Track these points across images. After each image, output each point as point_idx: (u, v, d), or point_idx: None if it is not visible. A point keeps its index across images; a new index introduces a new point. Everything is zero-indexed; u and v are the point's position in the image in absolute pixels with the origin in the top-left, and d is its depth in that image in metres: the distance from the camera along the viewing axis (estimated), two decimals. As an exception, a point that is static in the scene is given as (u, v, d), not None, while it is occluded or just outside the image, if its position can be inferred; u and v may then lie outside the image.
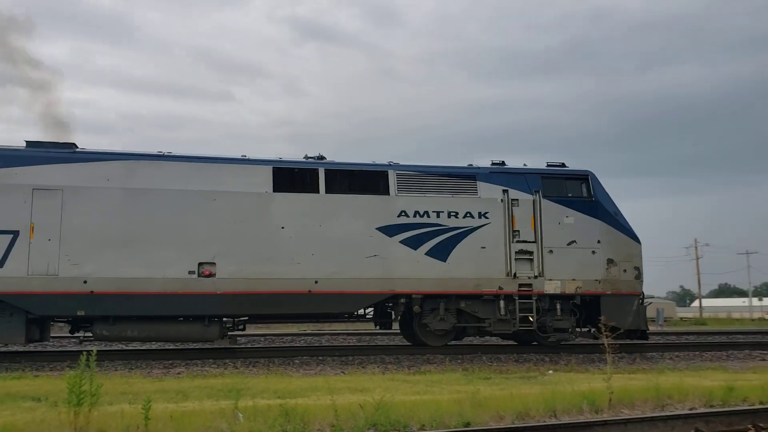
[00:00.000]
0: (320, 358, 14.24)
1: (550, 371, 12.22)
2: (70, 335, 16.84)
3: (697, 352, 15.91)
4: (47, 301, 13.10)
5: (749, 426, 6.78)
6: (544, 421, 6.72)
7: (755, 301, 76.09)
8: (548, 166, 16.64)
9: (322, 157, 15.27)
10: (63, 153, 13.83)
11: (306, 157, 15.23)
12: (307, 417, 6.61)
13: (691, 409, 7.58)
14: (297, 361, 13.68)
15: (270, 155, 15.17)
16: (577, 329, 15.96)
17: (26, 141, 14.02)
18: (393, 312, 15.48)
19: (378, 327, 16.57)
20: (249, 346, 16.77)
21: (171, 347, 16.36)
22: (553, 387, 8.79)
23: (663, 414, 6.94)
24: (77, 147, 14.17)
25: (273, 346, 16.96)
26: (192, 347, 16.25)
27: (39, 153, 13.71)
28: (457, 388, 9.28)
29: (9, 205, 13.19)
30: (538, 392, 8.28)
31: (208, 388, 9.23)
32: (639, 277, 16.11)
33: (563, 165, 16.82)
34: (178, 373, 11.83)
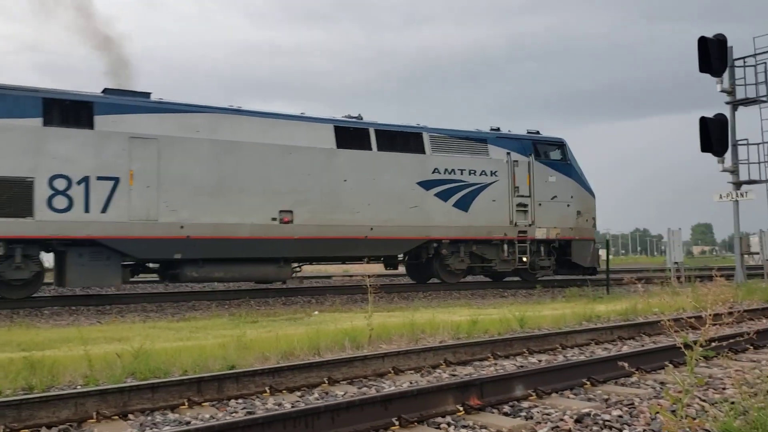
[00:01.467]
0: (73, 308, 13.26)
1: (316, 312, 12.56)
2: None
3: (448, 291, 17.32)
4: (148, 245, 13.60)
5: (489, 354, 7.54)
6: (308, 360, 6.88)
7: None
8: (528, 133, 19.37)
9: (360, 117, 16.87)
10: (155, 103, 14.22)
11: (347, 116, 16.74)
12: (56, 369, 6.11)
13: (441, 342, 8.23)
14: (47, 312, 12.61)
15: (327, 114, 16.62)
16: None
17: (105, 89, 14.22)
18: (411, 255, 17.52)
19: (387, 268, 18.71)
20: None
21: None
22: (318, 327, 9.05)
23: (417, 347, 7.43)
24: (151, 95, 14.40)
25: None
26: None
27: (134, 102, 13.97)
28: (223, 333, 9.17)
29: (109, 152, 13.33)
30: (304, 332, 8.47)
31: (-65, 345, 8.14)
32: (594, 225, 20.06)
33: (538, 132, 19.65)
34: None
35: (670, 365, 6.54)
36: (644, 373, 6.34)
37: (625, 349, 7.94)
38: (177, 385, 5.43)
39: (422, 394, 4.88)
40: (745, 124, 21.87)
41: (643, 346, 8.23)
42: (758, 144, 19.87)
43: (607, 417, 4.70)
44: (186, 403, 5.29)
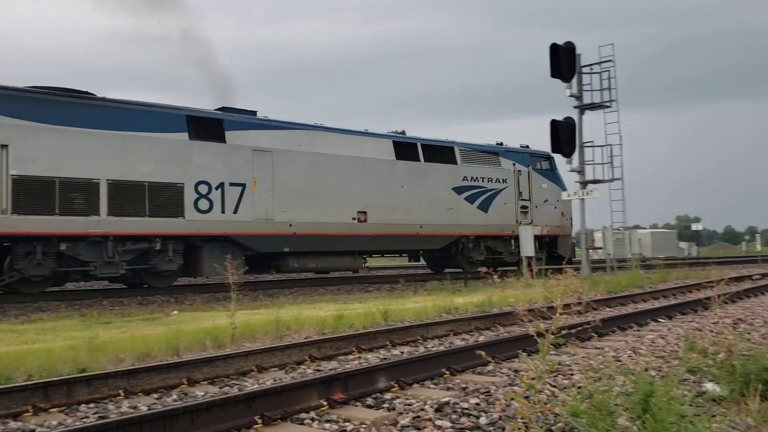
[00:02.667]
0: None
1: (175, 312, 12.13)
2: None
3: (314, 287, 17.30)
4: (266, 240, 16.29)
5: (353, 348, 7.60)
6: (166, 361, 6.62)
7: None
8: (521, 147, 23.22)
9: (404, 132, 20.52)
10: (267, 121, 17.00)
11: (394, 131, 20.38)
12: None
13: (306, 338, 8.20)
14: None
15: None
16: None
17: (223, 107, 16.95)
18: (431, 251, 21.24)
19: (410, 260, 23.38)
20: None
21: None
22: (177, 326, 8.75)
23: (281, 344, 7.35)
24: (257, 114, 17.18)
25: None
26: None
27: (252, 120, 16.75)
28: (74, 335, 8.63)
29: (237, 162, 15.93)
30: (162, 333, 8.14)
31: None
32: (572, 224, 24.17)
33: (528, 146, 23.67)
34: None
35: (524, 353, 6.87)
36: (500, 362, 6.63)
37: (482, 339, 8.26)
38: (20, 391, 5.04)
39: (286, 391, 4.83)
40: (592, 127, 24.31)
41: (498, 335, 8.61)
42: (602, 146, 21.37)
43: (465, 405, 4.87)
44: (31, 410, 4.92)
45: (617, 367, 5.65)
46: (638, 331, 8.92)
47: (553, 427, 4.23)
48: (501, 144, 22.92)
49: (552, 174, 24.00)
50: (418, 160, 19.87)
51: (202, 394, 5.59)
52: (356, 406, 5.03)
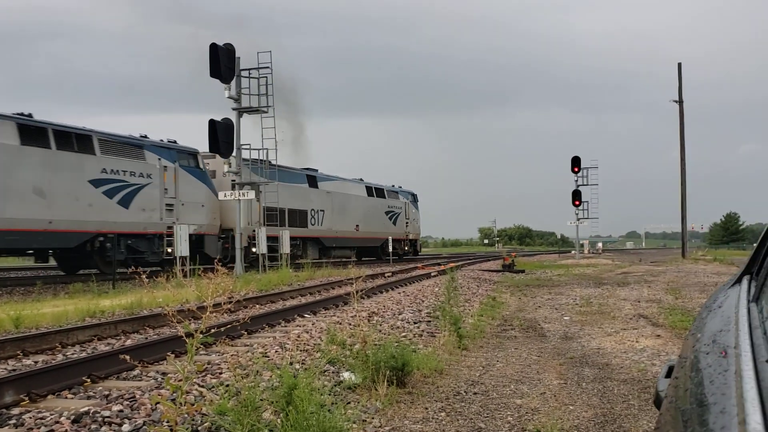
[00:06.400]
0: None
1: None
2: None
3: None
4: (330, 240, 30.82)
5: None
6: None
7: None
8: (398, 186, 40.99)
9: (362, 179, 36.14)
10: (327, 175, 31.76)
11: (354, 178, 36.06)
12: None
13: None
14: None
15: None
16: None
17: (307, 167, 31.01)
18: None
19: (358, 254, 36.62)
20: None
21: None
22: None
23: None
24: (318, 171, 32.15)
25: None
26: None
27: (322, 175, 31.58)
28: None
29: (322, 199, 30.51)
30: None
31: None
32: (419, 229, 47.69)
33: (402, 187, 41.82)
34: None
35: (172, 355, 6.72)
36: (147, 365, 6.38)
37: (129, 343, 7.89)
38: None
39: None
40: (250, 128, 26.73)
41: (147, 338, 8.29)
42: (259, 149, 22.00)
43: (107, 413, 4.58)
44: None
45: (264, 363, 5.85)
46: (286, 327, 9.36)
47: (199, 428, 4.21)
48: (394, 185, 39.44)
49: (415, 204, 41.88)
50: (373, 196, 35.87)
51: None
52: (-26, 426, 4.40)
